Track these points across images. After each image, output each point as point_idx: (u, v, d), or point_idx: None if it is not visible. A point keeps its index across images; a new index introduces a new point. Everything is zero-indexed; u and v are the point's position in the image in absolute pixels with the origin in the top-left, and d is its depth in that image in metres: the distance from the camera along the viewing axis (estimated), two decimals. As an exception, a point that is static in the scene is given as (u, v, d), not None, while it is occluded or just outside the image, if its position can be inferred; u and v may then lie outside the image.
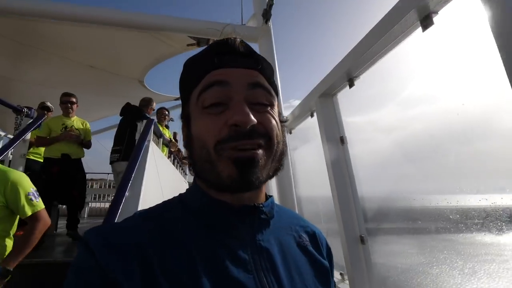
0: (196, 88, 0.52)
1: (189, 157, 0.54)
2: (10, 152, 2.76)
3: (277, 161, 0.52)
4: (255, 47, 2.41)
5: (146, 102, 4.07)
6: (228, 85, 0.49)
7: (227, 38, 0.53)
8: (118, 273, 0.41)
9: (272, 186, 2.47)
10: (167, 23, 2.33)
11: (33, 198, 1.69)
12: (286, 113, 2.31)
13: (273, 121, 0.51)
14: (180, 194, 0.57)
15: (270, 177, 0.51)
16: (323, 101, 1.71)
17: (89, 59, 4.23)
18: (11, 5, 2.13)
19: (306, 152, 2.47)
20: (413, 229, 1.32)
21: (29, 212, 1.65)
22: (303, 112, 2.08)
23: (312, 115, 1.97)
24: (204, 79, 0.51)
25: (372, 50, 1.23)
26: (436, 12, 0.97)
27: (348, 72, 1.46)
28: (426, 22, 0.99)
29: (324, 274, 0.56)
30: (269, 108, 0.52)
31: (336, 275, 1.58)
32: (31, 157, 3.70)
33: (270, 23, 2.30)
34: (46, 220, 1.75)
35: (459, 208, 1.03)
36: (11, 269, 1.60)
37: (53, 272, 2.51)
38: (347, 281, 1.55)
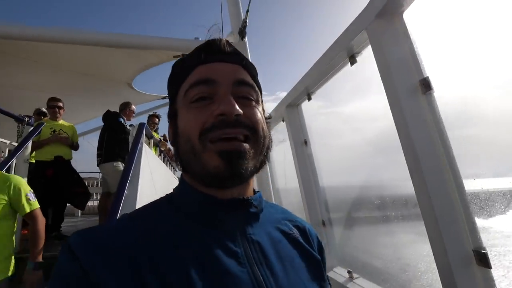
0: (183, 84, 0.53)
1: (175, 152, 0.53)
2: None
3: (264, 154, 0.52)
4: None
5: (124, 106, 4.34)
6: (215, 83, 0.50)
7: (213, 39, 0.55)
8: (104, 276, 0.40)
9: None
10: (153, 43, 2.63)
11: (30, 198, 2.00)
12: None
13: (259, 115, 0.52)
14: (167, 194, 0.56)
15: (258, 169, 0.51)
16: (290, 111, 2.08)
17: (81, 68, 4.47)
18: (11, 31, 2.39)
19: (281, 151, 2.84)
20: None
21: (27, 209, 1.95)
22: (276, 117, 2.43)
23: (283, 120, 2.33)
24: (191, 74, 0.52)
25: (320, 74, 1.59)
26: (359, 53, 1.32)
27: (307, 88, 1.82)
28: (352, 59, 1.34)
29: (316, 267, 0.56)
30: (254, 103, 0.52)
31: (344, 273, 1.66)
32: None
33: (246, 39, 2.64)
34: (42, 217, 2.05)
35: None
36: (43, 261, 1.92)
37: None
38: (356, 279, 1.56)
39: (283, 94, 2.18)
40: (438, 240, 0.90)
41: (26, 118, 3.16)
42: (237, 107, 0.47)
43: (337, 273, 1.71)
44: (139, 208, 0.53)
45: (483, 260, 0.84)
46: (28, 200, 1.98)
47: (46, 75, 4.54)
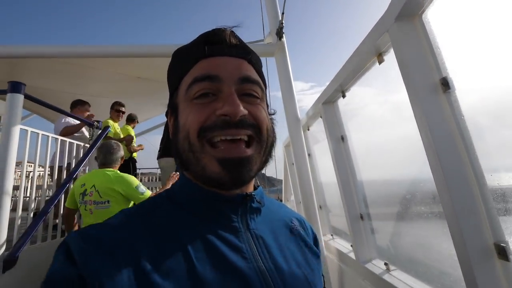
0: (186, 77, 0.51)
1: (175, 148, 0.52)
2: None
3: (268, 153, 0.51)
4: (272, 60, 2.86)
5: None
6: (219, 80, 0.48)
7: (218, 28, 0.52)
8: (104, 275, 0.38)
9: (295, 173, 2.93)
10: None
11: (139, 190, 2.35)
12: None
13: (263, 113, 0.50)
14: (166, 190, 0.55)
15: (260, 170, 0.50)
16: (326, 108, 2.14)
17: (135, 72, 4.97)
18: (84, 51, 2.82)
19: (323, 146, 2.89)
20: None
21: (140, 198, 2.28)
22: (314, 114, 2.51)
23: (321, 117, 2.39)
24: (193, 68, 0.50)
25: (351, 72, 1.64)
26: (386, 51, 1.36)
27: (341, 86, 1.87)
28: (380, 58, 1.38)
29: (315, 259, 0.57)
30: (259, 100, 0.51)
31: (381, 265, 1.71)
32: None
33: (284, 39, 2.73)
34: None
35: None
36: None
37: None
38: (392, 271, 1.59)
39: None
40: (458, 233, 0.93)
41: (96, 123, 3.65)
42: (242, 107, 0.46)
43: (375, 265, 1.76)
44: (137, 205, 0.52)
45: (502, 253, 0.86)
46: (137, 189, 2.32)
47: (108, 81, 5.14)
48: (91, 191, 2.27)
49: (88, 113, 4.07)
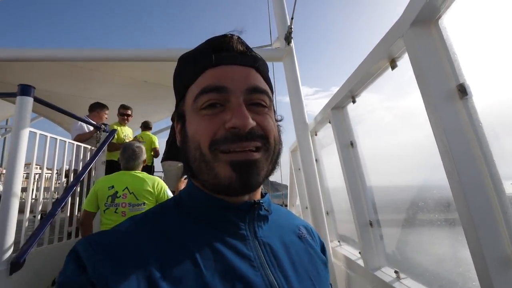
0: (193, 86, 0.51)
1: (184, 156, 0.52)
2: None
3: (275, 161, 0.52)
4: (280, 65, 2.86)
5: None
6: (227, 91, 0.48)
7: (224, 35, 0.52)
8: (113, 282, 0.38)
9: (302, 179, 2.92)
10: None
11: (168, 193, 2.45)
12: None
13: (271, 123, 0.51)
14: (174, 197, 0.55)
15: (267, 177, 0.51)
16: (335, 113, 2.13)
17: (142, 76, 5.01)
18: (93, 54, 2.85)
19: (331, 151, 2.88)
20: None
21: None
22: (323, 119, 2.50)
23: (330, 122, 2.38)
24: (200, 76, 0.50)
25: (363, 78, 1.63)
26: (399, 57, 1.35)
27: (351, 91, 1.86)
28: (392, 64, 1.37)
29: (324, 268, 0.57)
30: (266, 109, 0.51)
31: (391, 273, 1.69)
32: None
33: (292, 44, 2.73)
34: None
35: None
36: None
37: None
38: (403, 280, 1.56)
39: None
40: (475, 242, 0.91)
41: (103, 126, 3.67)
42: (251, 120, 0.46)
43: (385, 273, 1.73)
44: (145, 212, 0.53)
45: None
46: (166, 192, 2.45)
47: (116, 85, 5.18)
48: (124, 193, 2.30)
49: (106, 116, 4.11)
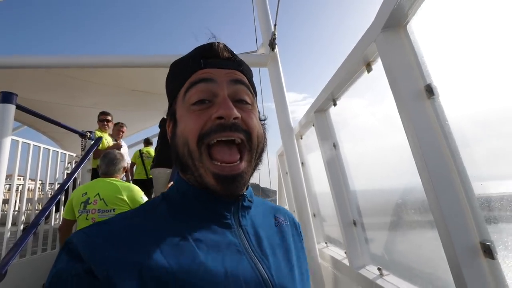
0: (183, 87, 0.55)
1: (173, 151, 0.55)
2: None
3: (258, 158, 0.55)
4: (265, 71, 2.92)
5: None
6: (213, 81, 0.52)
7: (212, 43, 0.57)
8: (110, 265, 0.40)
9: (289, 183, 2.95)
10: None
11: (144, 198, 2.39)
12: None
13: (254, 119, 0.54)
14: (162, 193, 0.58)
15: (251, 176, 0.55)
16: (318, 116, 2.19)
17: (130, 85, 4.99)
18: (79, 61, 2.84)
19: (317, 155, 2.93)
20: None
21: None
22: (307, 123, 2.55)
23: (313, 125, 2.44)
24: (190, 78, 0.54)
25: (342, 81, 1.69)
26: (374, 61, 1.41)
27: (332, 94, 1.92)
28: (368, 67, 1.43)
29: (301, 244, 0.64)
30: (250, 107, 0.55)
31: (375, 270, 1.73)
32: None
33: (276, 50, 2.80)
34: None
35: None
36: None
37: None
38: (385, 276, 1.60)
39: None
40: (446, 234, 0.96)
41: (88, 133, 3.63)
42: (235, 111, 0.50)
43: (368, 271, 1.77)
44: (135, 208, 0.55)
45: (487, 251, 0.89)
46: (142, 199, 2.38)
47: (103, 93, 5.14)
48: (95, 200, 2.25)
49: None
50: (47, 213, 2.67)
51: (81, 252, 0.41)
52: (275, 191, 5.48)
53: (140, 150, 5.30)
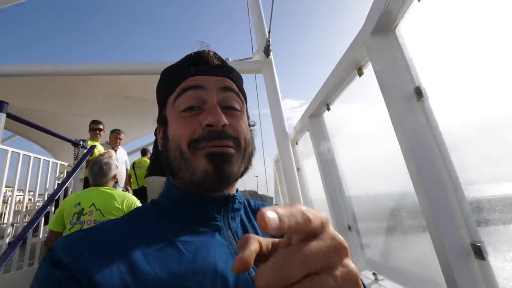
0: (173, 93, 0.56)
1: (164, 156, 0.56)
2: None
3: (247, 161, 0.56)
4: (260, 77, 2.93)
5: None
6: (202, 89, 0.53)
7: (202, 51, 0.58)
8: (93, 268, 0.40)
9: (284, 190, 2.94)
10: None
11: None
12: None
13: (243, 125, 0.55)
14: (152, 199, 0.58)
15: (241, 175, 0.55)
16: (312, 121, 2.20)
17: (125, 92, 4.97)
18: (73, 69, 2.83)
19: (313, 161, 2.93)
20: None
21: None
22: (302, 128, 2.56)
23: (308, 130, 2.44)
24: (180, 85, 0.55)
25: (334, 86, 1.70)
26: (365, 65, 1.42)
27: (325, 99, 1.93)
28: (359, 71, 1.44)
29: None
30: (239, 113, 0.56)
31: (370, 275, 1.73)
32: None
33: (271, 56, 2.82)
34: None
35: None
36: None
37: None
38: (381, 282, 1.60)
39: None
40: (437, 236, 0.96)
41: (81, 142, 3.59)
42: (223, 117, 0.51)
43: (364, 276, 1.75)
44: (125, 214, 0.55)
45: (478, 252, 0.90)
46: None
47: (97, 101, 5.11)
48: (90, 210, 2.15)
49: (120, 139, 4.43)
50: (35, 225, 2.58)
51: (63, 259, 0.41)
52: (272, 197, 5.47)
53: (133, 162, 5.36)
